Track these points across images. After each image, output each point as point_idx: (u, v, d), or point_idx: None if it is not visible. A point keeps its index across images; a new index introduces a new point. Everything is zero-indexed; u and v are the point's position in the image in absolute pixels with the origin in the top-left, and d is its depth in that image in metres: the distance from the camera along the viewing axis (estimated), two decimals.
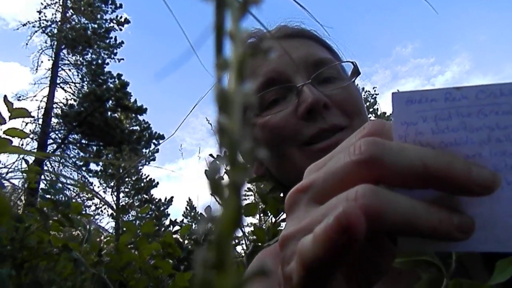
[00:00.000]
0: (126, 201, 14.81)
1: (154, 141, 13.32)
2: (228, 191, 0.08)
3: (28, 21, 12.21)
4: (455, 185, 0.22)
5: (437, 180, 0.22)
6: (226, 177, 0.09)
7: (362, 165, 0.23)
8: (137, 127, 13.39)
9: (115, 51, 13.22)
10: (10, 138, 1.22)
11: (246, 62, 0.11)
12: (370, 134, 0.25)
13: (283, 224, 1.16)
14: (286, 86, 0.60)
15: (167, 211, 15.96)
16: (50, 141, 11.76)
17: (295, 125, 0.57)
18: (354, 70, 0.66)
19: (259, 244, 1.07)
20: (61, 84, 12.33)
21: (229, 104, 0.09)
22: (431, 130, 0.24)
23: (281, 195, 0.84)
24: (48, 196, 1.23)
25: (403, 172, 0.22)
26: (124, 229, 1.42)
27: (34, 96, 11.57)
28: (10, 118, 1.21)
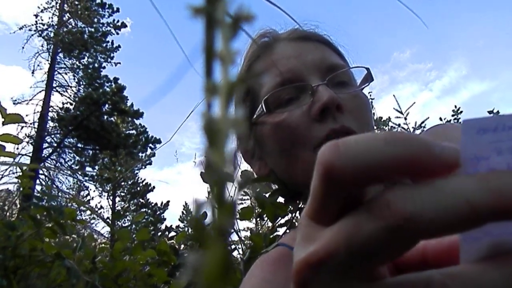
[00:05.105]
0: (122, 206, 14.75)
1: (150, 145, 13.27)
2: (214, 237, 0.07)
3: (25, 25, 12.18)
4: None
5: (497, 216, 0.17)
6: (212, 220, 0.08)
7: (397, 231, 0.17)
8: (134, 131, 13.35)
9: (111, 55, 13.19)
10: (4, 144, 1.21)
11: (237, 88, 0.10)
12: (326, 173, 0.18)
13: (280, 230, 1.15)
14: (301, 85, 0.60)
15: (163, 216, 15.88)
16: (45, 145, 11.69)
17: (307, 127, 0.57)
18: (367, 75, 0.66)
19: (256, 250, 1.06)
20: (57, 88, 12.28)
21: (217, 137, 0.09)
22: (506, 165, 0.19)
23: (282, 200, 0.83)
24: (41, 202, 1.22)
25: (447, 222, 0.16)
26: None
27: (30, 100, 11.52)
28: (3, 124, 1.20)
